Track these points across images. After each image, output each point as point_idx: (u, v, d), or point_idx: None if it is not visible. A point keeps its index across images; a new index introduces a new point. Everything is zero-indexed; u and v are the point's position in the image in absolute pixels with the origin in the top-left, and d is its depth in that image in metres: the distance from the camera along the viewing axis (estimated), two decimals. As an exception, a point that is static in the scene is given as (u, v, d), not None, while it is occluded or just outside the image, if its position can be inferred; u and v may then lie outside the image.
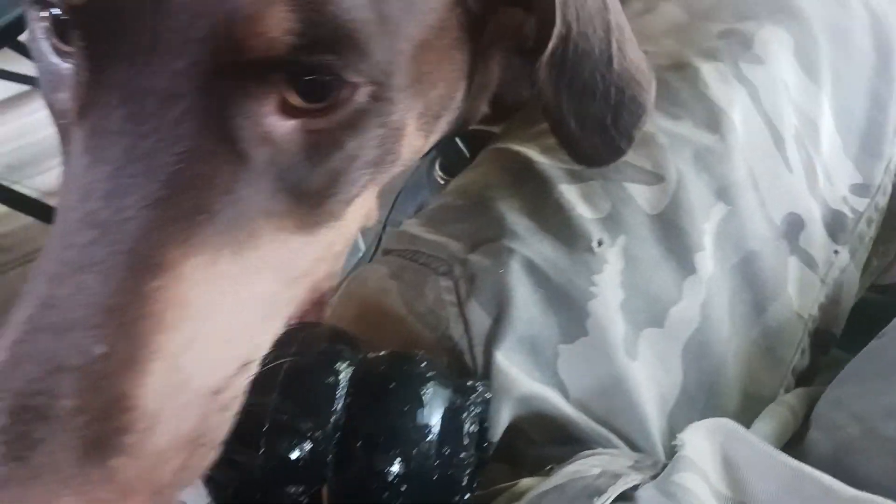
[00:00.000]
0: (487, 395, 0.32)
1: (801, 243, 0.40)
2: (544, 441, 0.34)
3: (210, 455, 0.25)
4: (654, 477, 0.29)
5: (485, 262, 0.36)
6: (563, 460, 0.32)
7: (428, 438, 0.29)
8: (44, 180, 1.39)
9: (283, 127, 0.25)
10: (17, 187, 1.16)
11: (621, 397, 0.34)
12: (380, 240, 0.62)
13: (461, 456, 0.30)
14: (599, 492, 0.27)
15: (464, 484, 0.30)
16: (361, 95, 0.26)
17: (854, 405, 0.35)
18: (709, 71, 0.40)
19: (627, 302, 0.36)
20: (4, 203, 1.12)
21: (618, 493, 0.28)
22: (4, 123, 1.48)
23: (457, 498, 0.30)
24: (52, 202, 1.06)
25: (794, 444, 0.36)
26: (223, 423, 0.26)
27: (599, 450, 0.33)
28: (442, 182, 0.59)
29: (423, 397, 0.30)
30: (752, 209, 0.39)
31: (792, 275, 0.40)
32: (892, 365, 0.36)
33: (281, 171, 0.26)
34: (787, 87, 0.41)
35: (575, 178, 0.38)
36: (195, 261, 0.24)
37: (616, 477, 0.28)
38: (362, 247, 1.15)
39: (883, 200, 0.44)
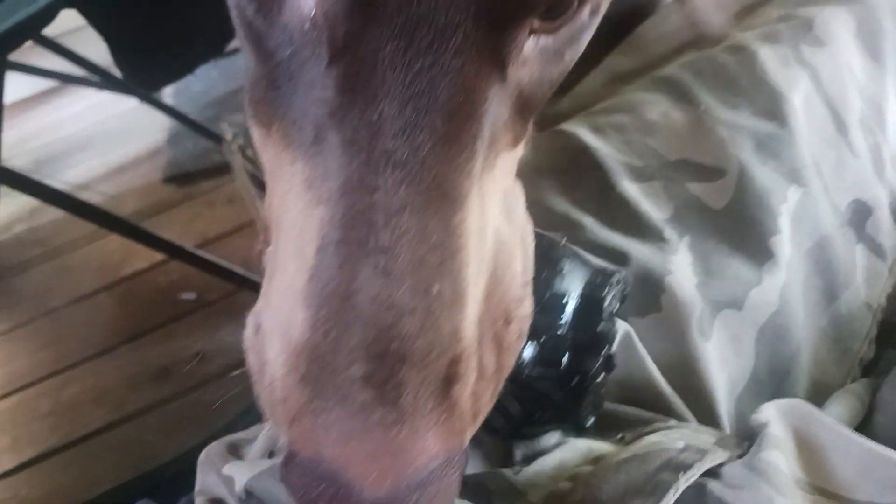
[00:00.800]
0: (625, 281, 0.31)
1: (868, 231, 0.39)
2: (623, 399, 0.33)
3: (501, 384, 0.25)
4: (741, 456, 0.28)
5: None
6: (637, 426, 0.31)
7: (566, 310, 0.29)
8: (74, 174, 1.40)
9: (530, 47, 0.25)
10: (47, 181, 1.17)
11: (691, 376, 0.34)
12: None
13: (600, 329, 0.29)
14: (685, 466, 0.26)
15: (596, 379, 0.29)
16: (586, 10, 0.26)
17: None
18: (767, 55, 0.39)
19: (704, 284, 0.35)
20: (35, 196, 1.13)
21: (704, 469, 0.27)
22: (33, 119, 1.49)
23: (585, 400, 0.29)
24: (82, 195, 1.06)
25: (860, 430, 0.35)
26: (516, 351, 0.26)
27: (679, 422, 0.32)
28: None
29: (562, 268, 0.29)
30: (820, 194, 0.38)
31: (860, 263, 0.39)
32: None
33: (521, 90, 0.26)
34: (851, 70, 0.40)
35: (635, 174, 0.37)
36: (478, 190, 0.24)
37: (702, 452, 0.27)
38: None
39: None
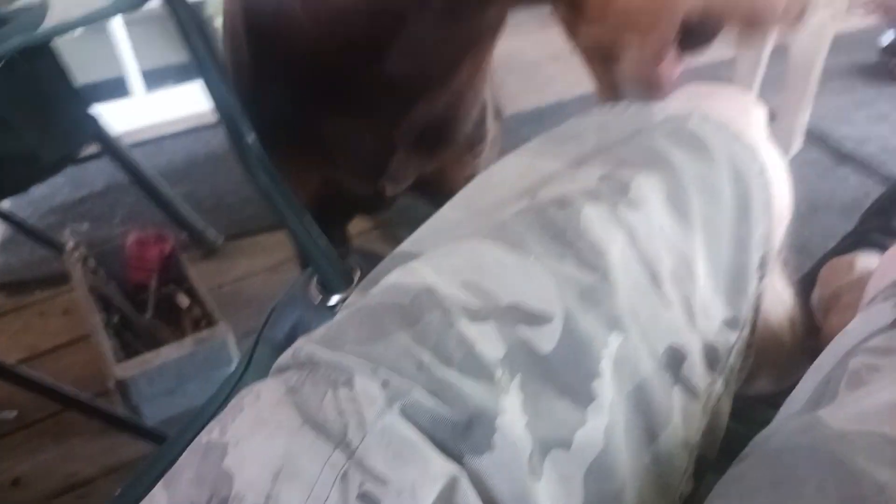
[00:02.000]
0: None
1: (683, 374, 0.41)
2: None
3: None
4: None
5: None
6: None
7: None
8: None
9: None
10: None
11: None
12: (251, 356, 0.60)
13: None
14: None
15: None
16: None
17: None
18: (590, 212, 0.42)
19: (534, 424, 0.35)
20: None
21: None
22: None
23: None
24: None
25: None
26: None
27: None
28: (318, 299, 0.60)
29: None
30: (638, 341, 0.40)
31: (677, 404, 0.41)
32: (751, 490, 0.35)
33: None
34: (663, 230, 0.43)
35: (472, 315, 0.37)
36: None
37: None
38: (234, 360, 1.12)
39: (747, 332, 0.47)
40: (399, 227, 1.46)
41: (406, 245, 0.47)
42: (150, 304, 1.24)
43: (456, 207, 0.50)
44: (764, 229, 0.49)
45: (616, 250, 0.41)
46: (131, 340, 1.17)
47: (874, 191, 1.46)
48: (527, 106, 1.93)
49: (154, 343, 1.11)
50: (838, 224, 1.36)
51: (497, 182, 0.51)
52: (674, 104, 0.54)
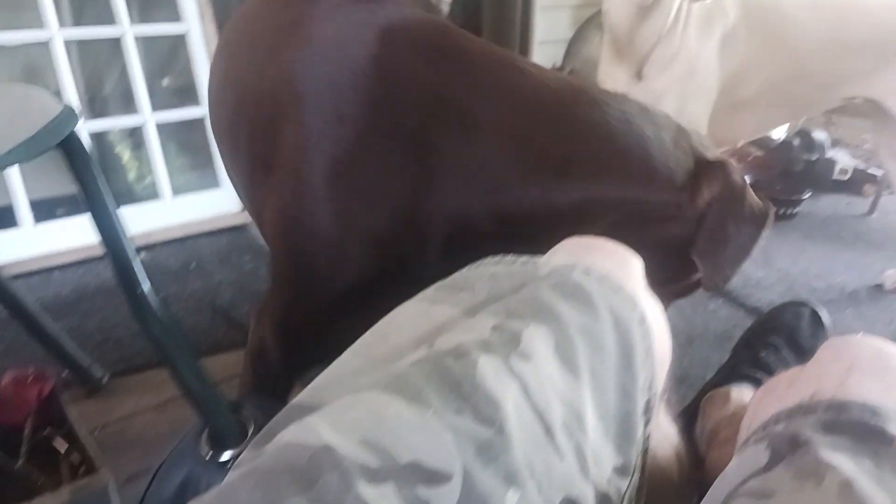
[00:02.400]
0: None
1: None
2: None
3: None
4: None
5: None
6: None
7: None
8: None
9: None
10: None
11: None
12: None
13: None
14: None
15: None
16: None
17: None
18: (485, 364, 0.43)
19: None
20: None
21: None
22: None
23: None
24: None
25: None
26: None
27: None
28: (209, 454, 0.57)
29: None
30: (534, 495, 0.40)
31: None
32: None
33: None
34: (553, 381, 0.45)
35: (370, 476, 0.37)
36: None
37: None
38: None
39: (637, 477, 0.49)
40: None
41: (304, 396, 0.46)
42: (24, 450, 1.14)
43: (356, 354, 0.50)
44: (647, 375, 0.51)
45: (510, 403, 0.42)
46: (2, 489, 1.06)
47: (742, 322, 1.58)
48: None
49: (27, 492, 1.01)
50: (713, 354, 1.45)
51: (396, 329, 0.52)
52: (558, 257, 0.57)
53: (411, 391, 0.41)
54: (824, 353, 0.55)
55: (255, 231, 2.01)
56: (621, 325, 0.51)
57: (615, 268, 0.56)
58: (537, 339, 0.46)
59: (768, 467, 0.44)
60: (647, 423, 0.52)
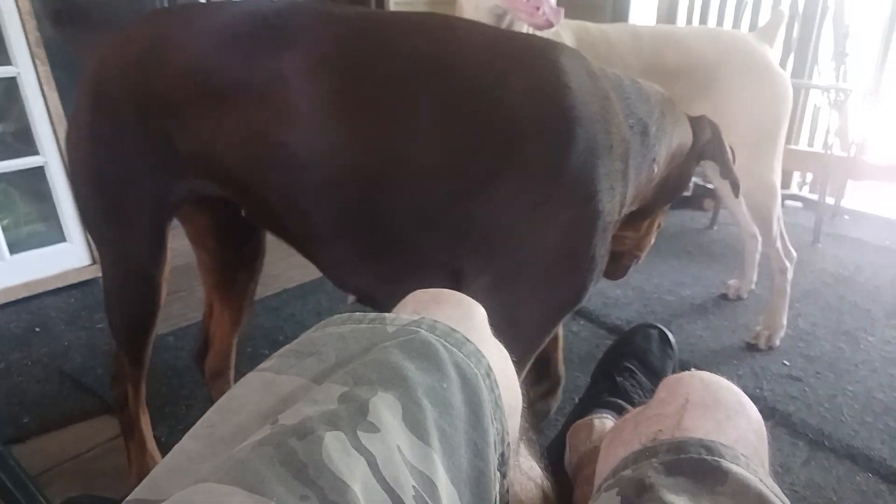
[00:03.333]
0: None
1: None
2: None
3: None
4: None
5: None
6: None
7: None
8: None
9: None
10: None
11: None
12: None
13: None
14: None
15: None
16: None
17: None
18: (331, 441, 0.41)
19: None
20: None
21: None
22: None
23: None
24: None
25: None
26: None
27: None
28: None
29: None
30: None
31: None
32: None
33: None
34: (402, 452, 0.43)
35: None
36: None
37: None
38: None
39: None
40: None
41: (140, 491, 0.43)
42: None
43: (196, 438, 0.47)
44: (498, 428, 0.51)
45: (359, 483, 0.40)
46: None
47: (604, 342, 1.65)
48: (290, 283, 1.95)
49: None
50: (580, 376, 1.49)
51: (238, 405, 0.49)
52: (405, 312, 0.57)
53: (253, 479, 0.39)
54: (661, 392, 0.58)
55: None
56: (468, 381, 0.50)
57: (460, 320, 0.56)
58: (384, 408, 0.45)
59: None
60: (503, 477, 0.52)
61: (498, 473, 0.51)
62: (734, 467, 0.47)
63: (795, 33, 2.60)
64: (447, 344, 0.52)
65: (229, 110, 0.85)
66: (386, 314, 0.56)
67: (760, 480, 0.46)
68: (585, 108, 0.81)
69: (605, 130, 0.82)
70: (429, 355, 0.50)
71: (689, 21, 2.75)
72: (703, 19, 2.72)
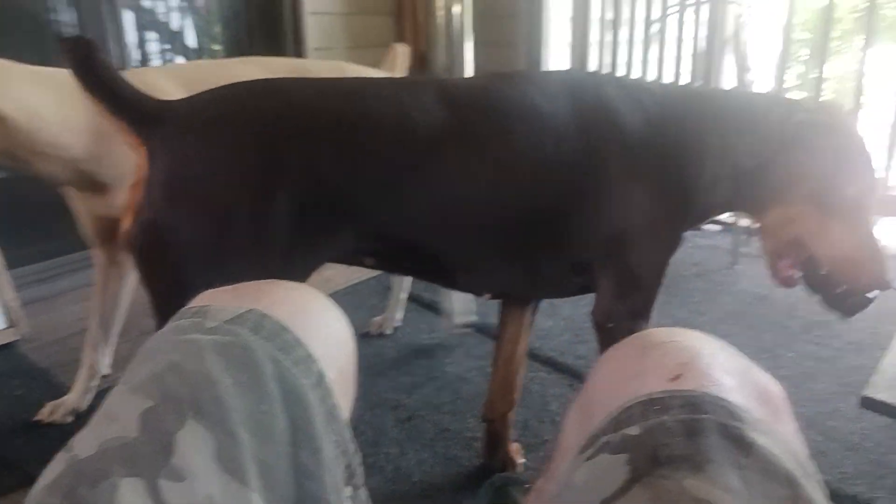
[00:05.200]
0: None
1: None
2: None
3: None
4: None
5: None
6: None
7: None
8: None
9: None
10: None
11: None
12: None
13: None
14: None
15: None
16: None
17: None
18: (127, 493, 0.36)
19: None
20: None
21: None
22: None
23: None
24: None
25: None
26: None
27: None
28: None
29: None
30: None
31: None
32: None
33: None
34: (213, 500, 0.38)
35: None
36: None
37: None
38: None
39: None
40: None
41: None
42: None
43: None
44: (337, 439, 0.47)
45: None
46: None
47: (537, 374, 1.64)
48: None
49: None
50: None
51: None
52: (233, 303, 0.50)
53: None
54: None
55: (26, 348, 1.78)
56: (294, 396, 0.45)
57: (295, 315, 0.50)
58: (194, 445, 0.39)
59: (626, 488, 0.39)
60: (356, 488, 0.48)
61: (348, 488, 0.47)
62: (759, 438, 0.40)
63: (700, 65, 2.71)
64: (273, 350, 0.47)
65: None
66: (211, 305, 0.50)
67: (787, 456, 0.40)
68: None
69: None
70: (248, 366, 0.45)
71: (600, 66, 2.84)
72: (614, 61, 2.81)
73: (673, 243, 1.07)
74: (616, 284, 1.07)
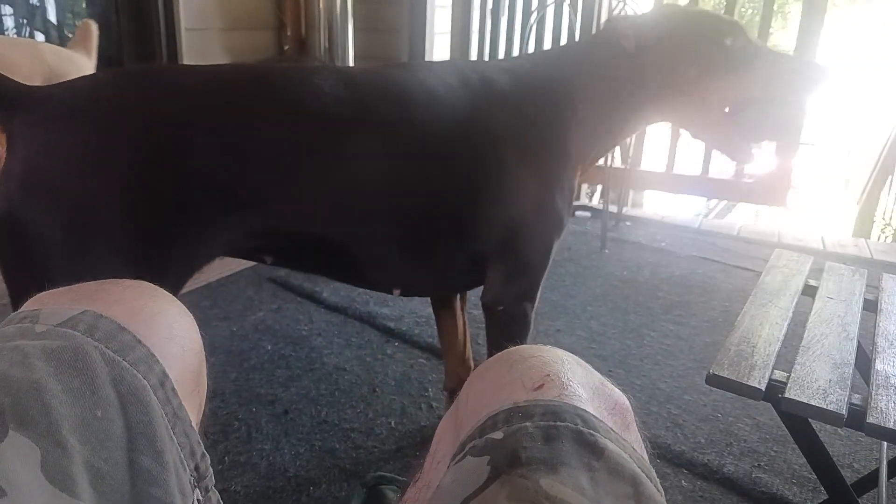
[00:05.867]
0: None
1: None
2: None
3: None
4: None
5: None
6: None
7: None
8: None
9: None
10: None
11: None
12: None
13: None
14: None
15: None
16: None
17: None
18: None
19: None
20: None
21: None
22: None
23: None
24: None
25: None
26: None
27: None
28: None
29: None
30: None
31: None
32: None
33: None
34: None
35: None
36: None
37: None
38: None
39: None
40: None
41: None
42: None
43: None
44: (183, 442, 0.46)
45: None
46: None
47: (417, 361, 1.65)
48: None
49: None
50: (397, 398, 1.49)
51: None
52: (67, 305, 0.47)
53: None
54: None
55: None
56: (133, 399, 0.43)
57: (132, 315, 0.48)
58: (17, 458, 0.37)
59: (485, 486, 0.40)
60: (206, 490, 0.47)
61: (196, 490, 0.46)
62: (609, 444, 0.43)
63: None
64: (109, 351, 0.44)
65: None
66: (41, 309, 0.47)
67: (633, 460, 0.43)
68: None
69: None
70: (81, 371, 0.42)
71: (479, 54, 2.87)
72: (494, 49, 2.85)
73: (559, 223, 1.10)
74: (507, 268, 1.09)
